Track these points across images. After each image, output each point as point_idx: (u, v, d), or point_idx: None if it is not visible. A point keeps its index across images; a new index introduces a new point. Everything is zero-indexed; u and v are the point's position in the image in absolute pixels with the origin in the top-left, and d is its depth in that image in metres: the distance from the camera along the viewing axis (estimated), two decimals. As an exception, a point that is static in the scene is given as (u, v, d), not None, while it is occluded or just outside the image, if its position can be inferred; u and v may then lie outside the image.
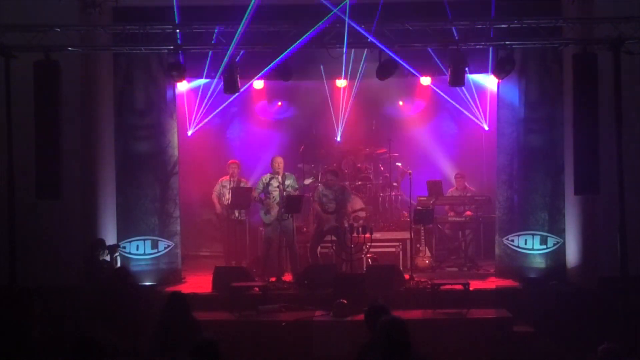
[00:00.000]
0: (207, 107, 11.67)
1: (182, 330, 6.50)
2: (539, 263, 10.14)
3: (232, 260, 10.98)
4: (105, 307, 8.38)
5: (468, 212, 11.51)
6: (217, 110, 11.78)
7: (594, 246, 9.78)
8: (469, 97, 11.55)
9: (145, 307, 7.91)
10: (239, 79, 9.63)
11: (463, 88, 10.67)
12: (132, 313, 7.60)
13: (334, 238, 10.26)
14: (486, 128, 11.92)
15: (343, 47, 9.55)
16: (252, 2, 9.06)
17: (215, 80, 10.27)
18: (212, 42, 9.45)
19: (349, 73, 11.71)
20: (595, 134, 8.84)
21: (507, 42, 9.23)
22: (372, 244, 10.13)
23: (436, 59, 9.82)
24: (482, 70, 10.31)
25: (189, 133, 11.92)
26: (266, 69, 9.66)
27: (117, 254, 9.50)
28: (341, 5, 9.09)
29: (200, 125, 11.74)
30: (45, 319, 7.09)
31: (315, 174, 11.66)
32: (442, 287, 9.19)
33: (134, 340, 7.35)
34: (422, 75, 11.20)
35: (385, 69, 9.56)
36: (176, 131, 10.56)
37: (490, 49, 9.62)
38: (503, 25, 9.25)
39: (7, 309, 6.53)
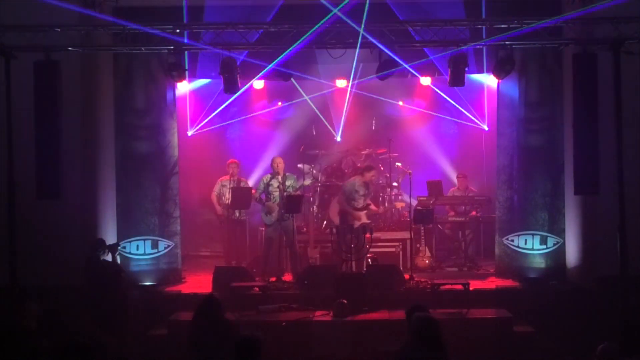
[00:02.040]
0: (207, 107, 11.71)
1: (215, 331, 6.54)
2: (539, 263, 10.14)
3: (232, 260, 10.99)
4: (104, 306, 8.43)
5: (473, 213, 11.50)
6: (219, 110, 11.82)
7: (594, 246, 9.78)
8: (468, 97, 11.58)
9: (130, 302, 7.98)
10: (239, 79, 9.64)
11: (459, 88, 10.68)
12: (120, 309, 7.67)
13: (333, 238, 10.22)
14: (486, 128, 11.92)
15: (343, 47, 9.56)
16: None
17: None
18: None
19: (349, 73, 11.73)
20: (595, 134, 8.83)
21: (507, 42, 9.23)
22: (372, 244, 10.12)
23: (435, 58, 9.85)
24: (479, 70, 10.33)
25: (189, 133, 11.94)
26: (266, 69, 9.63)
27: (117, 253, 9.49)
28: (341, 5, 9.10)
29: (201, 124, 11.76)
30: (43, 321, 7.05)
31: (315, 175, 11.66)
32: (442, 287, 9.21)
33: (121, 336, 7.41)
34: (422, 75, 11.23)
35: (385, 69, 9.56)
36: (176, 131, 10.56)
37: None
38: (503, 25, 9.25)
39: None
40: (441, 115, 12.71)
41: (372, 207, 10.65)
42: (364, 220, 10.35)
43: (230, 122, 12.70)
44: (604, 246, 9.41)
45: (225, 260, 11.14)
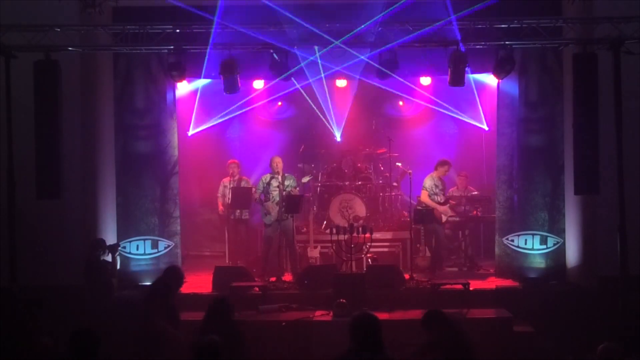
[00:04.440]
0: (207, 107, 11.69)
1: (225, 334, 6.52)
2: (539, 263, 10.14)
3: (237, 260, 11.01)
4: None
5: (474, 213, 11.50)
6: (222, 113, 11.81)
7: (594, 246, 9.79)
8: (474, 96, 11.57)
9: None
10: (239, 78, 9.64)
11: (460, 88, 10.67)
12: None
13: (334, 238, 10.21)
14: (486, 128, 11.92)
15: (343, 47, 9.56)
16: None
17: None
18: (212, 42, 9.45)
19: (349, 73, 11.71)
20: (595, 134, 8.84)
21: (507, 42, 9.23)
22: (372, 244, 10.13)
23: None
24: (482, 70, 10.32)
25: (190, 133, 11.94)
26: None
27: (117, 253, 9.51)
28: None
29: (203, 126, 11.78)
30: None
31: (314, 174, 11.65)
32: (442, 287, 9.21)
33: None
34: (421, 75, 11.23)
35: (386, 69, 9.56)
36: (176, 131, 10.56)
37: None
38: (503, 25, 9.25)
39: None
40: (444, 111, 12.67)
41: (451, 201, 11.03)
42: (450, 213, 10.90)
43: (225, 119, 12.64)
44: (604, 246, 9.42)
45: (229, 260, 11.15)
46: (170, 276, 7.73)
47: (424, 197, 10.75)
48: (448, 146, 12.94)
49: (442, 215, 10.74)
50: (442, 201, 10.80)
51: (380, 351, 4.96)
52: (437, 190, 10.76)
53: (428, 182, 10.81)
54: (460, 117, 12.25)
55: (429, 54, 9.84)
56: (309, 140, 12.36)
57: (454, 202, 11.07)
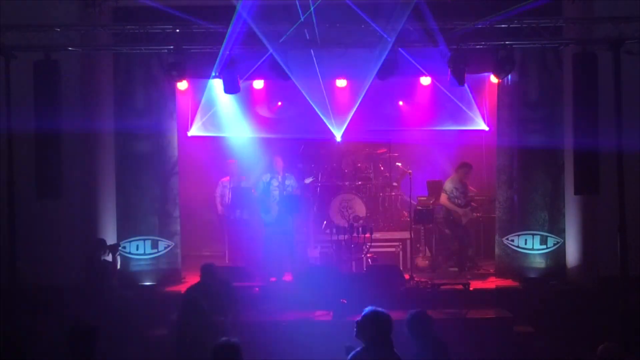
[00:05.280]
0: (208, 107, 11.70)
1: (201, 331, 6.47)
2: (539, 263, 10.15)
3: (237, 260, 11.00)
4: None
5: (477, 214, 11.49)
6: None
7: (594, 246, 9.79)
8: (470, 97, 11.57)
9: None
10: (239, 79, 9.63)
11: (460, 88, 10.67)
12: None
13: (333, 238, 10.22)
14: (486, 128, 11.91)
15: (343, 47, 9.56)
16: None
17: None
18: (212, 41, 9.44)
19: (349, 73, 11.70)
20: (595, 134, 8.83)
21: (507, 42, 9.23)
22: (372, 244, 10.13)
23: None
24: (482, 70, 10.31)
25: (190, 134, 11.93)
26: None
27: (118, 253, 9.51)
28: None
29: (205, 133, 11.79)
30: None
31: (315, 174, 11.66)
32: (442, 287, 9.21)
33: None
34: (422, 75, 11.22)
35: (386, 69, 9.56)
36: (176, 131, 10.56)
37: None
38: (503, 25, 9.25)
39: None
40: (442, 114, 12.68)
41: (473, 203, 10.98)
42: (470, 216, 10.77)
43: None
44: (604, 246, 9.42)
45: (229, 260, 11.14)
46: (211, 272, 7.81)
47: (444, 200, 10.70)
48: (448, 146, 12.93)
49: (462, 218, 10.69)
50: (462, 204, 10.72)
51: (390, 349, 4.95)
52: (457, 193, 10.67)
53: (448, 185, 10.74)
54: (459, 128, 12.25)
55: (430, 54, 9.83)
56: (309, 140, 12.36)
57: (475, 204, 11.03)
